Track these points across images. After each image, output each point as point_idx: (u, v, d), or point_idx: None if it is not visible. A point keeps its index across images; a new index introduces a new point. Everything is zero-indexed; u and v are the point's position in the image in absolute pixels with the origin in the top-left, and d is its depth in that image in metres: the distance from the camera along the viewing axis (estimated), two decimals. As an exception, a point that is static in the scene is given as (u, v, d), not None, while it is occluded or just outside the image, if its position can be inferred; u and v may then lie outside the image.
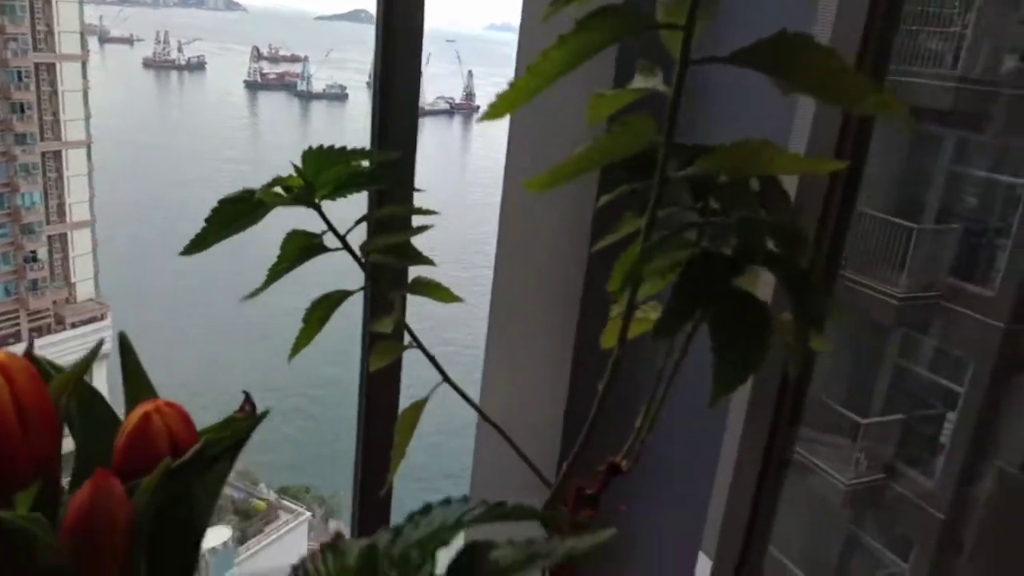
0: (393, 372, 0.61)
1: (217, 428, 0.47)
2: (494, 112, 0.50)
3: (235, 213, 0.50)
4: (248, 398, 0.49)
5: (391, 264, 0.54)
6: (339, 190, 0.50)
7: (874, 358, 6.74)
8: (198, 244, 0.50)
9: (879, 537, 6.44)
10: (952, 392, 6.57)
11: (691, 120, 0.64)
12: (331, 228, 0.50)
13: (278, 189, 0.50)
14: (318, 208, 0.51)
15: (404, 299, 0.57)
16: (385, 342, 0.55)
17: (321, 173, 0.48)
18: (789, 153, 0.41)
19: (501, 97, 0.48)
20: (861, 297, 6.59)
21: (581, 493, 0.49)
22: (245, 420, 0.45)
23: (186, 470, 0.44)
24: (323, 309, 0.52)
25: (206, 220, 0.51)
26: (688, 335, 0.41)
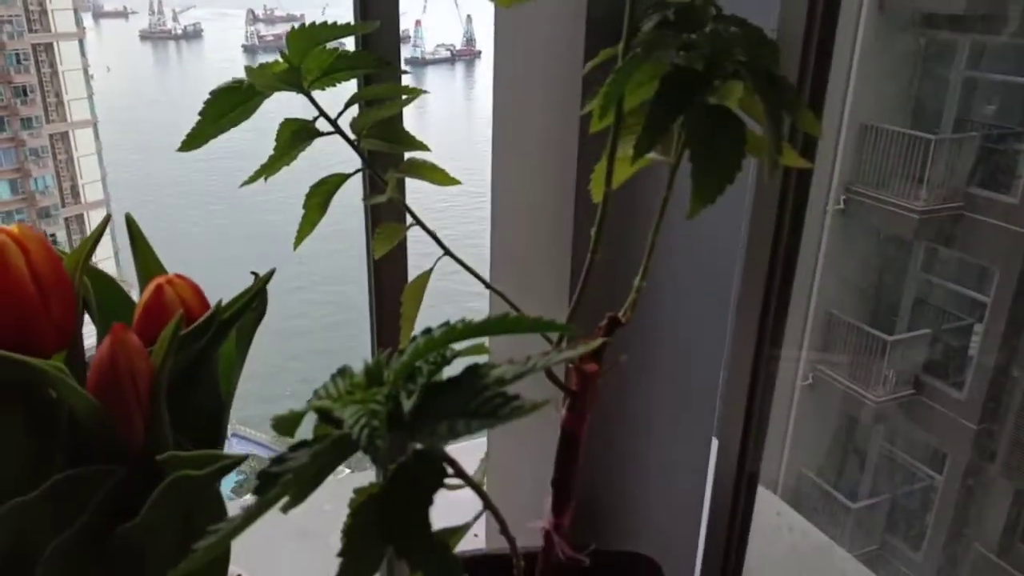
0: (398, 259, 0.60)
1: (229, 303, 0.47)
2: None
3: (228, 104, 0.49)
4: (256, 275, 0.49)
5: (384, 149, 0.52)
6: (327, 76, 0.49)
7: (898, 275, 6.69)
8: (194, 139, 0.49)
9: (912, 452, 6.48)
10: (979, 302, 6.52)
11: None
12: (322, 113, 0.49)
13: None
14: (308, 93, 0.49)
15: (402, 181, 0.56)
16: (386, 225, 0.54)
17: (308, 55, 0.47)
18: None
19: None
20: (881, 213, 6.51)
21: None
22: (253, 289, 0.44)
23: (201, 333, 0.44)
24: (321, 194, 0.51)
25: (200, 113, 0.50)
26: (672, 169, 0.40)
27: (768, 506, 1.00)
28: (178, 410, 0.41)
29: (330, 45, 0.52)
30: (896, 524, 6.38)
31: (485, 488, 0.46)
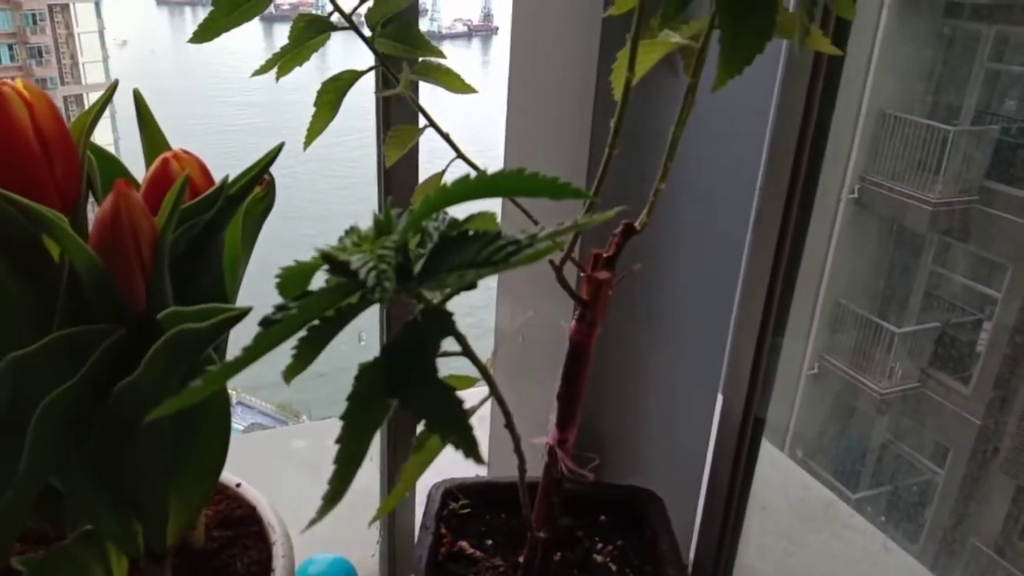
0: (411, 166, 0.58)
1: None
2: None
3: None
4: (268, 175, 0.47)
5: (399, 52, 0.51)
6: None
7: (909, 267, 6.64)
8: (207, 30, 0.47)
9: (915, 444, 6.46)
10: (989, 298, 6.47)
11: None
12: (337, 8, 0.47)
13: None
14: None
15: (417, 85, 0.54)
16: (399, 127, 0.52)
17: None
18: None
19: None
20: (895, 204, 6.45)
21: (598, 256, 0.47)
22: (260, 163, 0.43)
23: (207, 206, 0.42)
24: (333, 91, 0.49)
25: (212, 3, 0.48)
26: (699, 53, 0.38)
27: (776, 460, 0.99)
28: (181, 286, 0.40)
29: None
30: (895, 516, 6.37)
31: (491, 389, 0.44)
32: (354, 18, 0.55)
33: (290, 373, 0.32)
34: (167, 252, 0.39)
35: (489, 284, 0.88)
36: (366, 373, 0.31)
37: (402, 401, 0.30)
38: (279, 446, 1.07)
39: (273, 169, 0.52)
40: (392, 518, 0.77)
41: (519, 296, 0.77)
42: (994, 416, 5.97)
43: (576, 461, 0.57)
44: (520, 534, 0.66)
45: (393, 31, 0.53)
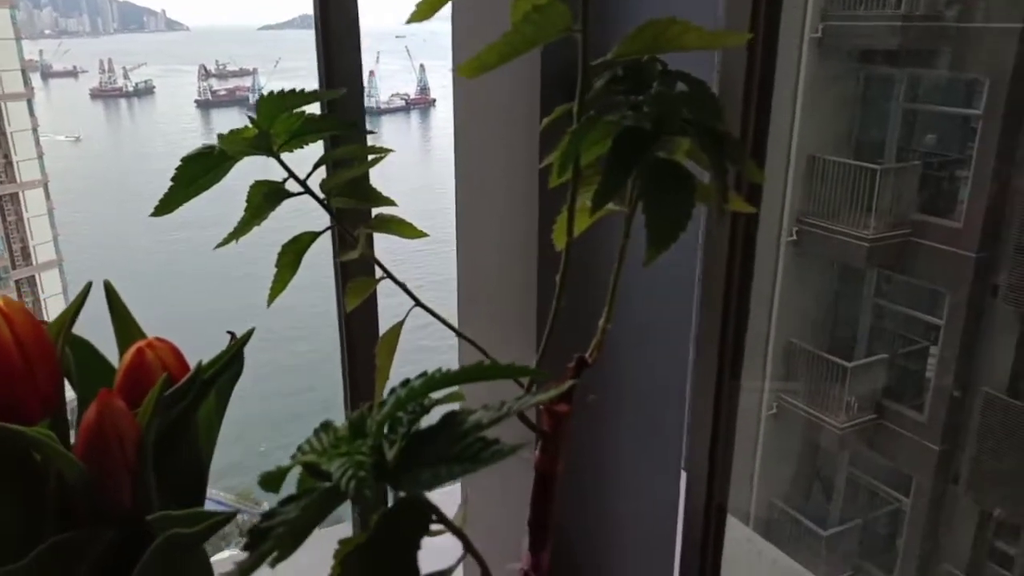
0: (370, 310, 0.61)
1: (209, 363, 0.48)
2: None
3: (199, 169, 0.50)
4: (232, 335, 0.49)
5: (352, 206, 0.54)
6: (295, 138, 0.50)
7: (853, 302, 6.84)
8: (166, 204, 0.50)
9: (878, 476, 6.55)
10: (932, 325, 6.69)
11: (614, 8, 0.66)
12: (291, 174, 0.50)
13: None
14: (277, 156, 0.51)
15: (370, 237, 0.57)
16: (357, 279, 0.55)
17: (276, 120, 0.49)
18: (696, 28, 0.42)
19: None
20: (833, 243, 6.68)
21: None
22: (232, 348, 0.45)
23: (183, 394, 0.44)
24: (293, 252, 0.52)
25: (172, 179, 0.51)
26: (627, 218, 0.42)
27: (739, 534, 1.02)
28: (162, 471, 0.42)
29: (297, 110, 0.54)
30: (868, 549, 6.42)
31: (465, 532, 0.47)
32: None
33: (276, 562, 0.35)
34: (151, 450, 0.41)
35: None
36: (348, 561, 0.34)
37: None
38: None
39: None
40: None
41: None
42: (950, 441, 6.11)
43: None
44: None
45: (347, 188, 0.57)
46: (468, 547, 0.42)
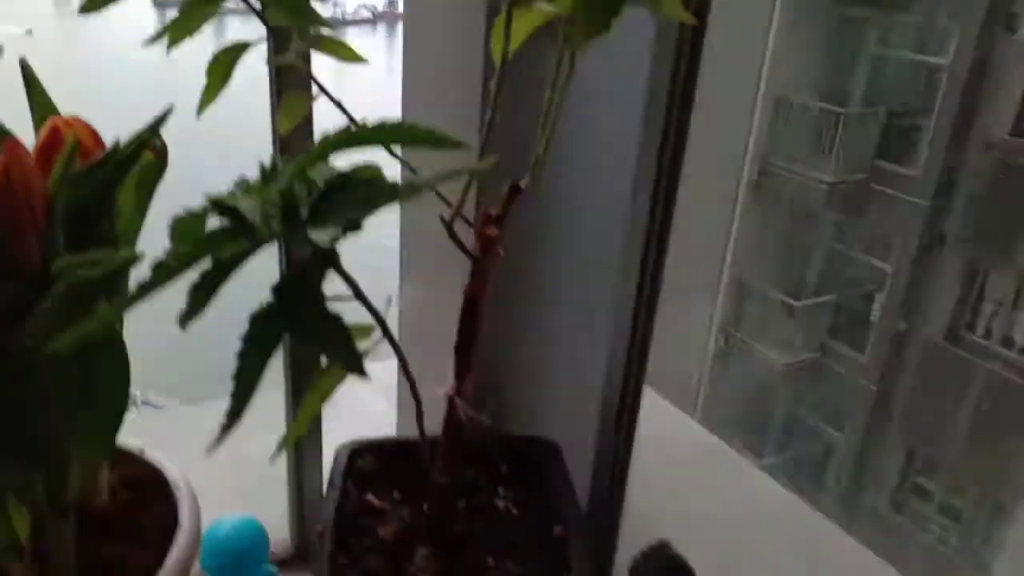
0: (305, 137, 0.59)
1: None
2: None
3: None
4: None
5: (289, 22, 0.52)
6: None
7: (807, 244, 6.95)
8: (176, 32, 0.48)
9: (816, 412, 6.79)
10: (880, 270, 6.85)
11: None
12: None
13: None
14: None
15: (308, 55, 0.56)
16: (292, 93, 0.53)
17: None
18: None
19: None
20: (792, 185, 6.74)
21: (487, 213, 0.51)
22: (154, 124, 0.44)
23: (98, 169, 0.43)
24: (223, 64, 0.50)
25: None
26: (565, 20, 0.42)
27: (684, 423, 1.04)
28: (75, 249, 0.41)
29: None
30: (800, 480, 6.68)
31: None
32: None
33: (185, 319, 0.34)
34: (60, 212, 0.40)
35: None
36: (261, 313, 0.34)
37: (292, 331, 0.33)
38: (185, 424, 1.07)
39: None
40: (299, 479, 0.80)
41: (421, 263, 0.80)
42: (887, 383, 6.34)
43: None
44: (426, 487, 0.69)
45: (285, 3, 0.55)
46: (390, 340, 0.42)
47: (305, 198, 0.35)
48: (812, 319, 6.83)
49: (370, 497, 0.68)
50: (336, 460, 0.69)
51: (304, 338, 0.33)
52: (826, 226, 6.96)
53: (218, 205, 0.32)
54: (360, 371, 0.31)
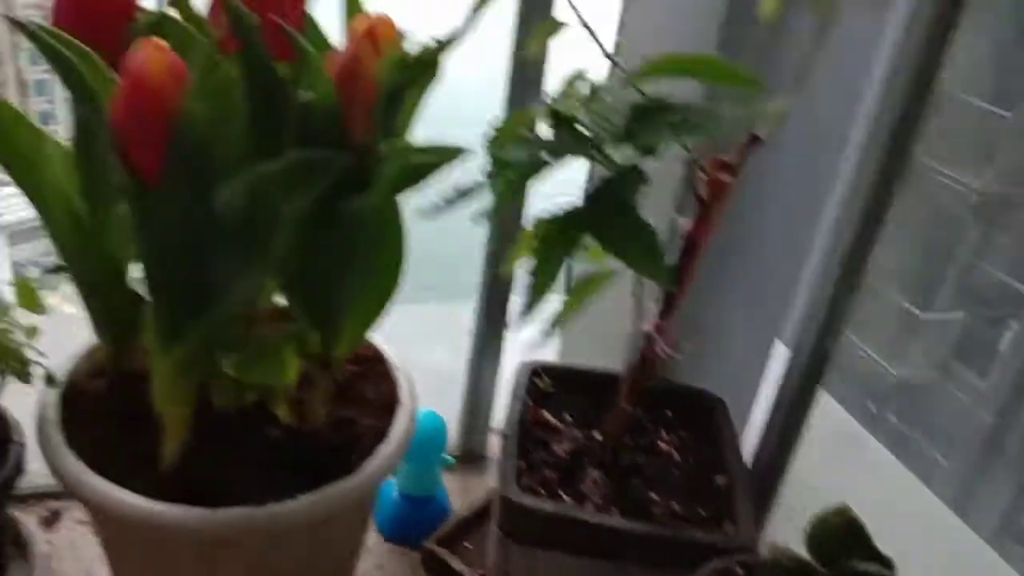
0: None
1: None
2: None
3: None
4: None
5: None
6: None
7: (943, 253, 6.55)
8: None
9: (921, 431, 6.50)
10: (1019, 294, 6.39)
11: None
12: None
13: None
14: None
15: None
16: (541, 19, 0.54)
17: None
18: None
19: None
20: (938, 187, 6.33)
21: (721, 160, 0.52)
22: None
23: (410, 64, 0.47)
24: None
25: None
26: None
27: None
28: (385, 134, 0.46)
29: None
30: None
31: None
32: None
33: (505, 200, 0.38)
34: (386, 101, 0.45)
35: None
36: (568, 216, 0.37)
37: (601, 237, 0.36)
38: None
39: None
40: (477, 387, 0.86)
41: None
42: (1007, 417, 5.99)
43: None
44: (595, 416, 0.73)
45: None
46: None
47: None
48: (935, 334, 6.50)
49: (545, 414, 0.73)
50: (518, 376, 0.74)
51: (612, 242, 0.36)
52: (968, 237, 6.56)
53: (556, 115, 0.36)
54: (664, 278, 0.34)
